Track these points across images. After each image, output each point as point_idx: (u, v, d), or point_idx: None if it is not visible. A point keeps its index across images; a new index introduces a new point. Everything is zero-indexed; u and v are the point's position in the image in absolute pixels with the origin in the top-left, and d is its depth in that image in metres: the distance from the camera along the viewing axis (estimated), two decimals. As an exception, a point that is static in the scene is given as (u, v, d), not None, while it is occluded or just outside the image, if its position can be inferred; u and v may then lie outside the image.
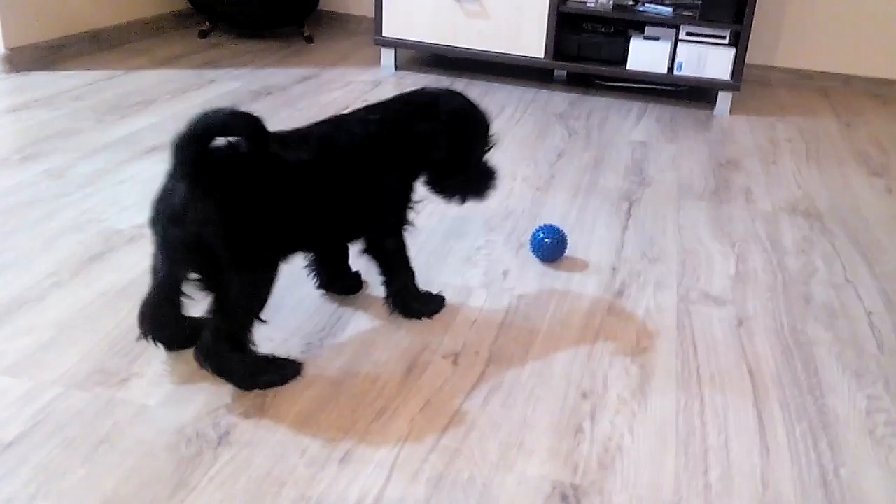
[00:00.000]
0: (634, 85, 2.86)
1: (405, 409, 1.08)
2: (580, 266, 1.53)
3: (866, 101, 2.92)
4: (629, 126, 2.43)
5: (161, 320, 1.09)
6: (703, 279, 1.52)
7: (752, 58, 3.11)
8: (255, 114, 0.97)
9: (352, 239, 1.24)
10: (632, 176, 2.03)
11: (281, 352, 1.18)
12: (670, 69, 2.65)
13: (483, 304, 1.36)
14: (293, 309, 1.30)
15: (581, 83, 2.84)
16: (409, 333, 1.26)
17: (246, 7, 2.99)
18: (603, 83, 2.87)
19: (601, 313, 1.37)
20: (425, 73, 2.85)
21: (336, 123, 1.17)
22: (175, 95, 2.35)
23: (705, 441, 1.07)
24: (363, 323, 1.28)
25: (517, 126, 2.35)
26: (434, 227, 1.65)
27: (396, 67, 2.88)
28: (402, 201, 1.22)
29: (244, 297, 1.02)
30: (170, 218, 0.99)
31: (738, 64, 2.57)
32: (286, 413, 1.05)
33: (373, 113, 1.19)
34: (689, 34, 2.61)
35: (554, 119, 2.45)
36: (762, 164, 2.19)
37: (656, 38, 2.65)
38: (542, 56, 2.71)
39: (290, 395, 1.09)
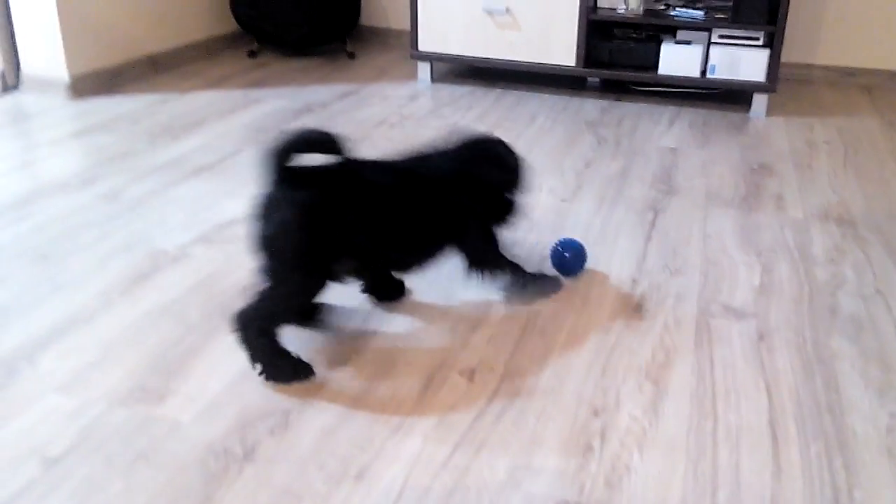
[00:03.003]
0: (667, 89, 2.80)
1: (420, 426, 1.09)
2: (600, 279, 1.51)
3: (911, 99, 2.78)
4: (660, 132, 2.38)
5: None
6: (726, 291, 1.48)
7: (791, 56, 2.99)
8: (332, 132, 1.12)
9: (419, 262, 1.31)
10: (659, 184, 1.99)
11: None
12: (703, 73, 2.58)
13: (502, 319, 1.36)
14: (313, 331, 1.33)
15: (614, 89, 2.79)
16: (428, 349, 1.27)
17: (291, 26, 3.06)
18: (636, 89, 2.81)
19: (618, 328, 1.35)
20: (460, 84, 2.86)
21: (417, 158, 1.30)
22: (223, 116, 2.42)
23: (716, 461, 1.05)
24: (386, 340, 1.30)
25: (546, 135, 2.34)
26: (459, 241, 1.65)
27: (433, 80, 2.90)
28: (480, 226, 1.33)
29: (281, 293, 1.13)
30: (257, 217, 1.13)
31: (773, 65, 2.49)
32: (308, 429, 1.08)
33: (445, 154, 1.31)
34: (721, 37, 2.54)
35: (584, 127, 2.42)
36: (796, 168, 2.12)
37: (688, 42, 2.59)
38: (574, 64, 2.67)
39: (313, 412, 1.12)
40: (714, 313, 1.40)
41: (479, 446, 1.06)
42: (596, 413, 1.13)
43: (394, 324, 1.34)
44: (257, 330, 1.12)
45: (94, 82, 2.61)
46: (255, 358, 1.14)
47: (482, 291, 1.45)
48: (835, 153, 2.23)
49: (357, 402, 1.14)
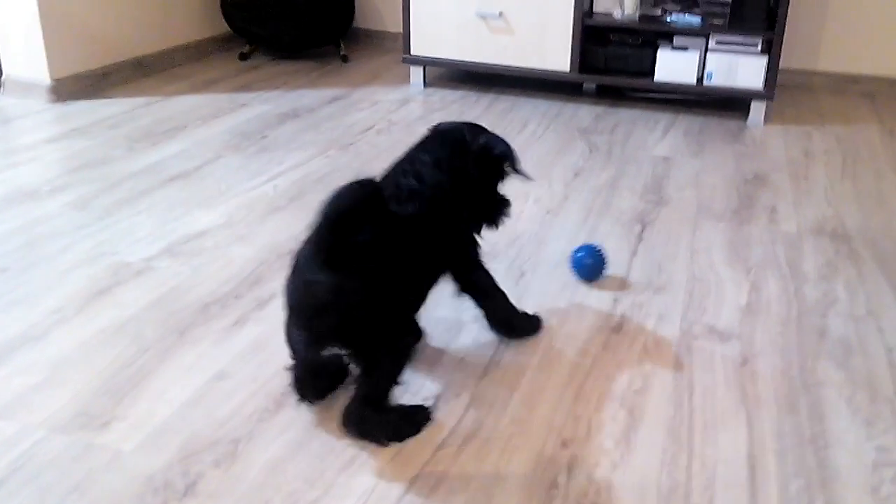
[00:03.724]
0: (664, 96, 2.73)
1: (375, 459, 1.03)
2: (580, 297, 1.45)
3: (914, 106, 2.70)
4: (654, 140, 2.31)
5: (314, 383, 1.12)
6: (711, 311, 1.41)
7: (792, 62, 2.92)
8: (368, 180, 0.98)
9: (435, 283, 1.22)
10: (649, 195, 1.92)
11: (263, 393, 1.15)
12: (700, 79, 2.51)
13: (473, 341, 1.30)
14: (280, 346, 1.27)
15: (610, 95, 2.72)
16: (393, 373, 1.21)
17: (283, 29, 3.00)
18: (632, 95, 2.74)
19: (595, 350, 1.28)
20: (453, 89, 2.80)
21: (412, 173, 1.15)
22: (206, 120, 2.37)
23: (688, 499, 0.98)
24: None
25: (537, 143, 2.27)
26: (436, 255, 1.59)
27: (426, 84, 2.83)
28: (472, 236, 1.24)
29: (391, 366, 1.05)
30: (316, 309, 0.99)
31: (771, 72, 2.41)
32: (256, 461, 1.02)
33: (424, 155, 1.17)
34: (718, 43, 2.47)
35: (576, 134, 2.35)
36: (792, 179, 2.04)
37: (685, 48, 2.52)
38: (568, 69, 2.61)
39: (262, 442, 1.06)
40: (697, 335, 1.33)
41: (437, 482, 1.00)
42: (565, 444, 1.07)
43: (359, 344, 1.28)
44: (372, 412, 1.04)
45: (77, 85, 2.56)
46: (384, 441, 1.05)
47: (454, 312, 1.39)
48: (833, 163, 2.15)
49: (311, 431, 1.08)
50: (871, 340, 1.33)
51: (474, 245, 1.24)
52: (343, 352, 1.04)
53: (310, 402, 1.12)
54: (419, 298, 1.17)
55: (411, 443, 1.06)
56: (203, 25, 3.13)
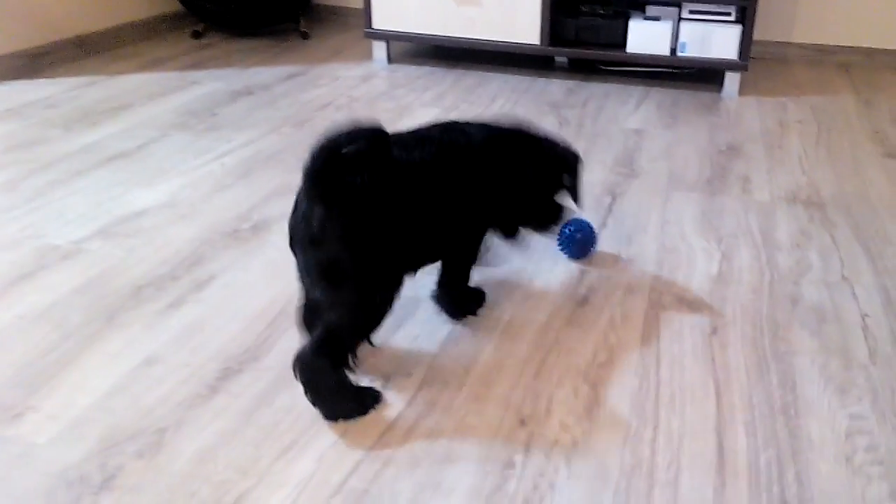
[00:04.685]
0: (637, 69, 2.69)
1: (316, 444, 0.97)
2: (545, 271, 1.40)
3: (890, 76, 2.68)
4: (627, 113, 2.27)
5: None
6: (680, 281, 1.37)
7: (767, 34, 2.89)
8: (377, 125, 0.94)
9: (459, 251, 1.20)
10: (620, 167, 1.87)
11: (195, 379, 1.09)
12: (673, 50, 2.47)
13: (429, 318, 1.24)
14: (218, 329, 1.20)
15: (582, 69, 2.67)
16: (340, 353, 1.15)
17: (239, 5, 2.91)
18: (605, 68, 2.70)
19: (559, 324, 1.23)
20: (419, 65, 2.73)
21: (447, 128, 1.13)
22: (152, 99, 2.28)
23: (652, 475, 0.93)
24: (292, 342, 1.17)
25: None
26: (391, 231, 1.53)
27: (390, 61, 2.77)
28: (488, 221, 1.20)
29: (362, 317, 1.00)
30: (310, 241, 0.96)
31: (746, 42, 2.38)
32: (183, 451, 0.96)
33: (475, 127, 1.15)
34: (691, 12, 2.43)
35: (547, 109, 2.30)
36: (766, 149, 2.01)
37: (657, 18, 2.48)
38: (538, 42, 2.55)
39: (192, 430, 0.99)
40: (666, 305, 1.29)
41: (383, 465, 0.94)
42: (523, 422, 1.02)
43: (305, 324, 1.21)
44: (328, 366, 0.98)
45: (12, 64, 2.46)
46: (325, 410, 1.00)
47: (410, 289, 1.33)
48: (807, 133, 2.12)
49: (247, 417, 1.02)
50: (845, 307, 1.29)
51: (481, 236, 1.20)
52: (321, 294, 0.98)
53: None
54: (416, 255, 1.10)
55: (356, 425, 1.00)
56: (153, 2, 3.03)
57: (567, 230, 1.41)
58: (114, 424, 1.00)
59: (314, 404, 1.00)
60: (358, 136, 0.93)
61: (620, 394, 1.07)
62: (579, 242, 1.41)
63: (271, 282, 1.33)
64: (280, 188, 1.72)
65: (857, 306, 1.29)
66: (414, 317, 1.24)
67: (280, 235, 1.50)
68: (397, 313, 1.25)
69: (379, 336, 1.19)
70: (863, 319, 1.26)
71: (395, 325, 1.22)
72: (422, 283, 1.34)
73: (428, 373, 1.11)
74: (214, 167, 1.82)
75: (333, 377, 0.98)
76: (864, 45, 2.82)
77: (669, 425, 1.02)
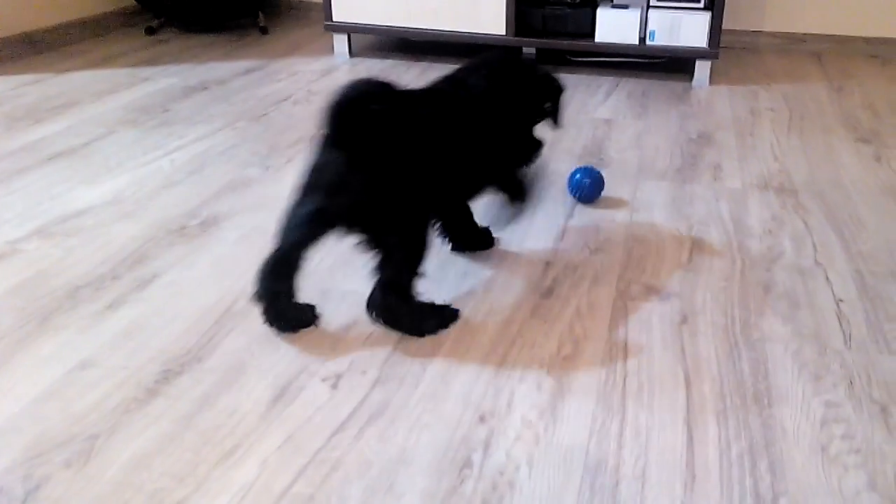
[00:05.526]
0: (607, 59, 2.67)
1: (259, 448, 0.92)
2: (510, 261, 1.36)
3: (862, 63, 2.69)
4: (596, 103, 2.24)
5: (279, 282, 1.10)
6: (649, 270, 1.34)
7: (737, 23, 2.89)
8: (385, 79, 1.03)
9: (477, 193, 1.30)
10: (589, 157, 1.84)
11: (132, 383, 1.03)
12: (642, 39, 2.45)
13: (384, 313, 1.19)
14: (159, 330, 1.15)
15: (550, 60, 2.65)
16: (290, 352, 1.10)
17: (192, 1, 2.84)
18: (573, 59, 2.68)
19: (522, 316, 1.20)
20: (382, 58, 2.69)
21: (451, 80, 1.23)
22: (100, 97, 2.21)
23: (618, 471, 0.90)
24: (238, 341, 1.12)
25: (470, 109, 2.17)
26: (349, 225, 1.48)
27: (352, 54, 2.72)
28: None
29: (408, 253, 1.08)
30: (329, 188, 1.03)
31: (715, 30, 2.37)
32: (116, 458, 0.90)
33: (474, 77, 1.24)
34: (660, 0, 2.41)
35: (513, 100, 2.26)
36: (737, 136, 1.99)
37: (625, 6, 2.46)
38: (504, 33, 2.52)
39: (126, 436, 0.94)
40: (634, 295, 1.26)
41: (331, 469, 0.89)
42: (482, 419, 0.97)
43: (248, 321, 1.16)
44: (397, 301, 1.09)
45: (-47, 63, 2.37)
46: (413, 331, 1.12)
47: (363, 285, 1.28)
48: (779, 120, 2.11)
49: (187, 421, 0.96)
50: (818, 292, 1.27)
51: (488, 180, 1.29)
52: (358, 237, 1.06)
53: (262, 300, 1.10)
54: (448, 190, 1.21)
55: (306, 426, 0.95)
56: (104, -2, 2.95)
57: (577, 176, 1.57)
58: (42, 432, 0.94)
59: (409, 333, 1.11)
60: (373, 90, 1.01)
61: (586, 387, 1.04)
62: (593, 184, 1.57)
63: (218, 279, 1.28)
64: (232, 183, 1.66)
65: (831, 292, 1.27)
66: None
67: (230, 231, 1.44)
68: (350, 311, 1.20)
69: (333, 334, 1.14)
70: (837, 305, 1.23)
71: (349, 322, 1.17)
72: (379, 278, 1.29)
73: (383, 371, 1.06)
74: (164, 163, 1.76)
75: (405, 307, 1.10)
76: (835, 33, 2.83)
77: (637, 418, 0.98)
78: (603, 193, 1.62)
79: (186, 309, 1.20)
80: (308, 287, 1.26)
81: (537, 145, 1.33)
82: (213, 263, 1.33)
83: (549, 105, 1.32)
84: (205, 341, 1.12)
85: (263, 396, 1.00)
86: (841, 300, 1.25)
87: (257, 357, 1.09)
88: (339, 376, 1.05)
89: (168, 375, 1.04)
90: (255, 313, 1.19)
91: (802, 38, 2.87)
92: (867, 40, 2.81)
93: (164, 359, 1.08)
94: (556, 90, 1.32)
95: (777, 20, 2.87)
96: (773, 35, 2.90)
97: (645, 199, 1.61)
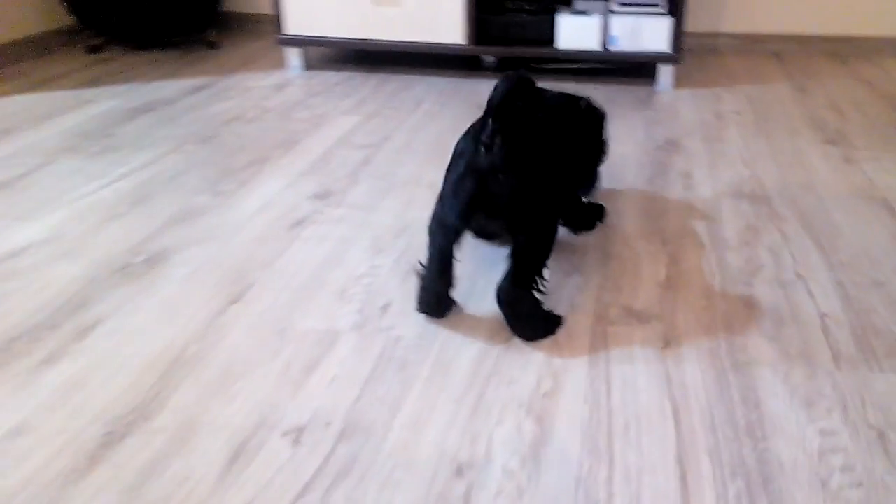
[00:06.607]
0: (569, 66, 2.63)
1: (215, 520, 0.83)
2: (478, 291, 1.29)
3: (823, 62, 2.70)
4: (559, 111, 2.19)
5: (443, 281, 1.16)
6: (627, 290, 1.28)
7: (697, 25, 2.88)
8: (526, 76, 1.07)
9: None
10: (556, 169, 1.78)
11: (72, 449, 0.93)
12: (604, 45, 2.42)
13: (349, 354, 1.12)
14: (101, 385, 1.05)
15: (512, 68, 2.59)
16: (245, 404, 1.01)
17: (137, 18, 2.73)
18: (536, 67, 2.63)
19: (497, 350, 1.13)
20: (337, 70, 2.61)
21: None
22: (39, 122, 2.09)
23: (610, 523, 0.83)
24: (189, 394, 1.03)
25: (433, 122, 2.11)
26: (307, 255, 1.40)
27: (306, 68, 2.63)
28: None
29: (547, 244, 1.14)
30: (490, 171, 1.08)
31: (677, 34, 2.34)
32: (51, 543, 0.80)
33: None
34: (621, 5, 2.38)
35: (476, 111, 2.21)
36: (705, 142, 1.96)
37: (585, 12, 2.42)
38: (463, 42, 2.46)
39: (66, 513, 0.84)
40: (613, 319, 1.20)
41: (296, 539, 0.81)
42: (460, 471, 0.90)
43: (200, 369, 1.07)
44: (527, 293, 1.12)
45: None
46: (532, 335, 1.14)
47: (326, 321, 1.20)
48: (745, 123, 2.09)
49: (133, 492, 0.87)
50: (802, 307, 1.22)
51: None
52: (500, 223, 1.12)
53: (435, 316, 1.18)
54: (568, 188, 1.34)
55: (266, 490, 0.87)
56: (43, 17, 2.82)
57: None
58: (-37, 518, 0.83)
59: (513, 329, 1.14)
60: (515, 80, 1.06)
61: (570, 427, 0.97)
62: None
63: (166, 324, 1.18)
64: (180, 213, 1.56)
65: (815, 305, 1.23)
66: (330, 354, 1.12)
67: (179, 267, 1.35)
68: (311, 352, 1.12)
69: (295, 379, 1.06)
70: (822, 319, 1.19)
71: (310, 363, 1.09)
72: (340, 314, 1.21)
73: (348, 420, 0.98)
74: (106, 194, 1.65)
75: (529, 303, 1.12)
76: (795, 32, 2.83)
77: (626, 460, 0.92)
78: (574, 209, 1.56)
79: (131, 359, 1.10)
80: (264, 325, 1.18)
81: (597, 174, 1.50)
82: (160, 305, 1.23)
83: (598, 134, 1.44)
84: (152, 396, 1.03)
85: (218, 458, 0.92)
86: (825, 314, 1.20)
87: (210, 411, 1.00)
88: (300, 430, 0.96)
89: (112, 439, 0.95)
90: (208, 359, 1.10)
91: (762, 39, 2.87)
92: (826, 39, 2.82)
93: (107, 419, 0.98)
94: (603, 123, 1.44)
95: (736, 21, 2.87)
96: (733, 36, 2.89)
97: (617, 213, 1.56)
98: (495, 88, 1.04)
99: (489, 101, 1.05)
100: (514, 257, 1.11)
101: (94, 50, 2.83)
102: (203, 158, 1.84)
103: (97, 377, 1.06)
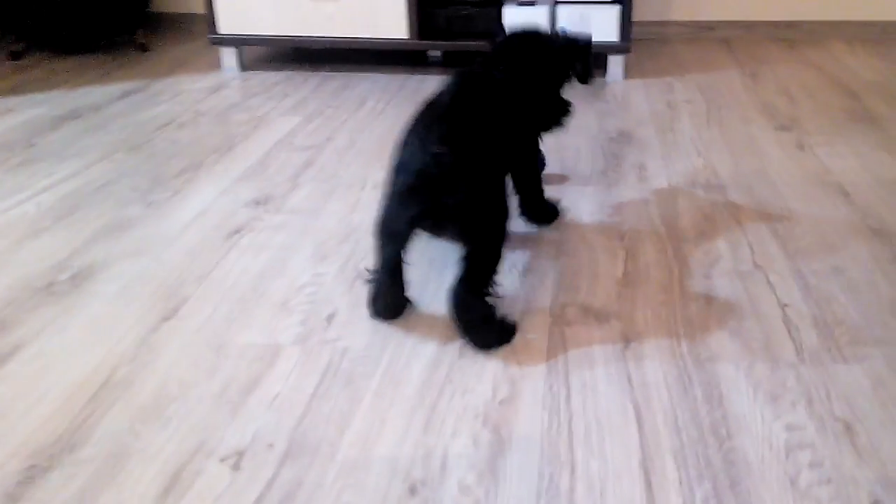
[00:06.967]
0: (515, 58, 2.61)
1: (146, 560, 0.78)
2: (429, 296, 1.25)
3: (772, 48, 2.74)
4: (509, 106, 2.17)
5: (395, 291, 1.16)
6: (584, 288, 1.26)
7: (645, 14, 2.90)
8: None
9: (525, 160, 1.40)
10: (507, 165, 1.76)
11: (-16, 490, 0.87)
12: (552, 36, 2.40)
13: (292, 369, 1.07)
14: (23, 415, 0.98)
15: (459, 62, 2.57)
16: (179, 428, 0.96)
17: (60, 21, 2.62)
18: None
19: (450, 357, 1.09)
20: (276, 70, 2.54)
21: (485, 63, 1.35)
22: (-49, 133, 1.98)
23: (573, 536, 0.80)
24: (119, 420, 0.97)
25: (377, 120, 2.07)
26: (245, 265, 1.34)
27: (243, 68, 2.56)
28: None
29: (499, 248, 1.12)
30: (440, 179, 1.04)
31: (626, 23, 2.34)
32: None
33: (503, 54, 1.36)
34: (567, -6, 2.38)
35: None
36: (658, 132, 1.96)
37: (532, 3, 2.41)
38: (406, 36, 2.43)
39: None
40: (570, 319, 1.18)
41: (236, 576, 0.76)
42: (413, 490, 0.86)
43: (130, 393, 1.01)
44: (479, 299, 1.09)
45: None
46: (481, 343, 1.10)
47: (268, 336, 1.15)
48: (697, 112, 2.10)
49: (53, 534, 0.81)
50: (762, 298, 1.22)
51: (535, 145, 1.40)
52: (450, 229, 1.12)
53: (384, 318, 1.16)
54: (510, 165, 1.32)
55: (203, 525, 0.82)
56: (-47, 20, 2.68)
57: None
58: None
59: (466, 337, 1.10)
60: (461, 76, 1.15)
61: (529, 436, 0.94)
62: None
63: (93, 345, 1.12)
64: (109, 226, 1.49)
65: (775, 296, 1.23)
66: (272, 370, 1.07)
67: (107, 284, 1.28)
68: (252, 368, 1.07)
69: (232, 400, 1.01)
70: (783, 311, 1.19)
71: (250, 384, 1.04)
72: (282, 326, 1.16)
73: (293, 441, 0.94)
74: (28, 208, 1.57)
75: (482, 310, 1.09)
76: (742, 19, 2.87)
77: (588, 467, 0.89)
78: (527, 206, 1.54)
79: (56, 386, 1.03)
80: (200, 342, 1.12)
81: (567, 107, 1.42)
82: (87, 325, 1.17)
83: (578, 66, 1.38)
84: (78, 424, 0.96)
85: (151, 489, 0.86)
86: (786, 304, 1.20)
87: (142, 438, 0.94)
88: (240, 453, 0.91)
89: (34, 473, 0.88)
90: (139, 382, 1.04)
91: (710, 26, 2.90)
92: (774, 24, 2.87)
93: (29, 451, 0.92)
94: (582, 50, 1.37)
95: (684, 9, 2.90)
96: (682, 24, 2.92)
97: (571, 207, 1.54)
98: (446, 86, 1.02)
99: (439, 98, 1.02)
100: (466, 262, 1.08)
101: (14, 56, 2.71)
102: (133, 167, 1.76)
103: (17, 407, 0.99)
